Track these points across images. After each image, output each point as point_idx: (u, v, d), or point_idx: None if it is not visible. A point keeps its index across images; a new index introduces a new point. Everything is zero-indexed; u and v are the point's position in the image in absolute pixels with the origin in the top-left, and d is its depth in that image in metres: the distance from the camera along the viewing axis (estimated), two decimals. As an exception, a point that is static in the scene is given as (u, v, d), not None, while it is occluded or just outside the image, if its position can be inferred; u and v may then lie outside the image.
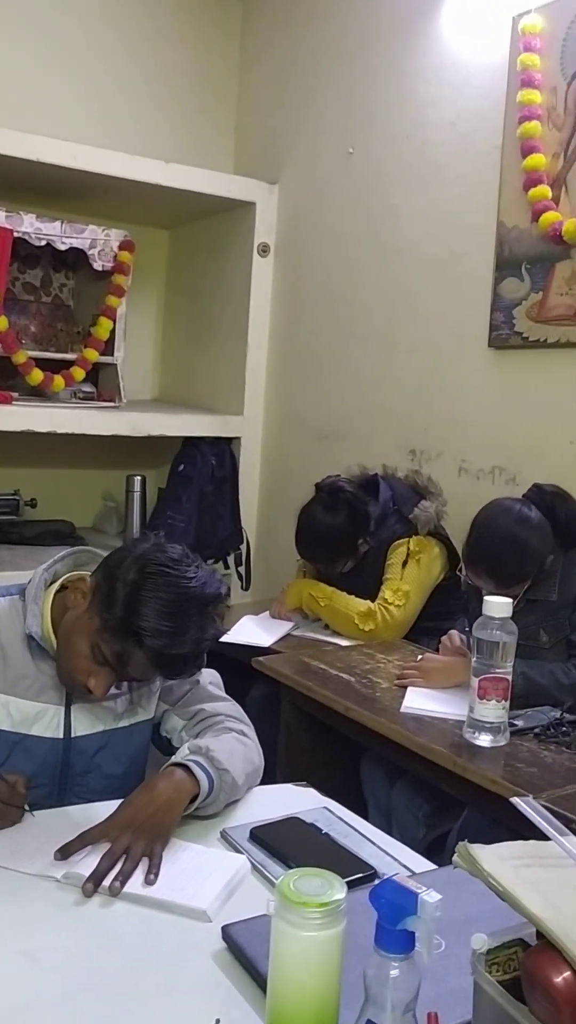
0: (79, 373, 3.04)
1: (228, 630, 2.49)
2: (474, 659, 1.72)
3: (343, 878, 1.14)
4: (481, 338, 2.56)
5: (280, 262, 3.37)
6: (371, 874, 1.20)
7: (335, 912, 0.82)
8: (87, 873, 1.15)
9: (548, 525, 1.99)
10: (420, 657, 2.13)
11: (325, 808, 1.41)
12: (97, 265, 3.05)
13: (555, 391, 2.38)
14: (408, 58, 2.81)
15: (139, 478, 3.43)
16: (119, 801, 1.29)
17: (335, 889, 0.84)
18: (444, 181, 2.69)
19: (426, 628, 2.42)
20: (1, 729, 1.41)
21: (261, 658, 2.26)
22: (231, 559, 3.40)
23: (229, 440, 3.37)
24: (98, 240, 3.04)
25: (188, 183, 3.16)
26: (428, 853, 1.69)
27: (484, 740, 1.71)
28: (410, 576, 2.42)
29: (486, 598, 1.72)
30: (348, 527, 2.47)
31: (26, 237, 2.88)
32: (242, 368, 3.39)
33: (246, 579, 3.40)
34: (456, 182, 2.65)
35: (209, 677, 1.58)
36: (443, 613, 2.42)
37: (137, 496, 3.42)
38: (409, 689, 1.98)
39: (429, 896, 0.79)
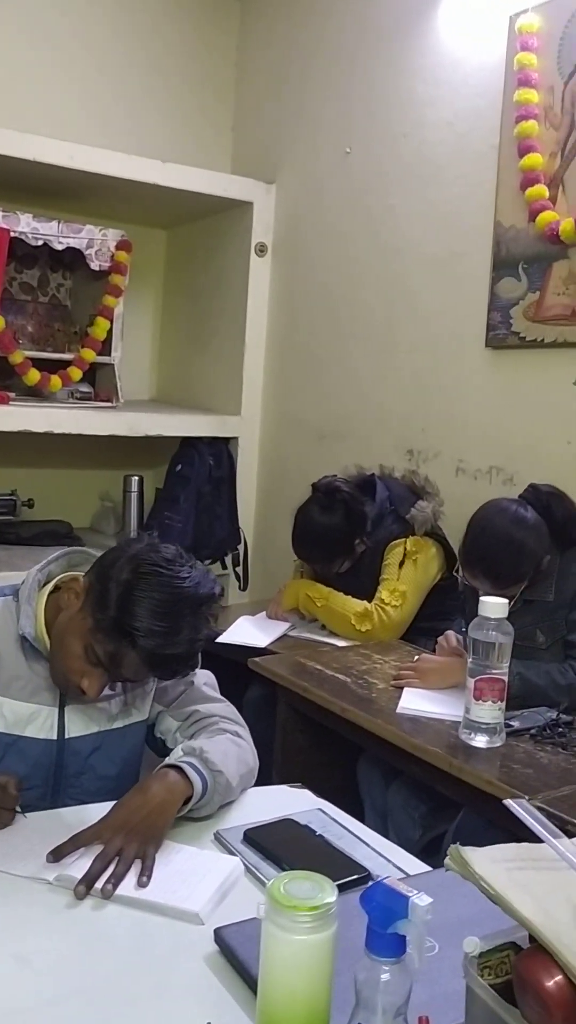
0: (76, 373, 3.03)
1: (223, 631, 2.49)
2: (470, 660, 1.71)
3: (337, 880, 1.14)
4: (478, 338, 2.56)
5: (278, 262, 3.36)
6: (365, 876, 1.19)
7: (326, 915, 0.82)
8: (79, 875, 1.14)
9: (544, 525, 1.98)
10: (416, 658, 2.13)
11: (319, 810, 1.40)
12: (94, 265, 3.05)
13: (552, 391, 2.37)
14: (406, 58, 2.81)
15: (136, 478, 3.43)
16: (112, 803, 1.28)
17: (326, 892, 0.83)
18: (442, 181, 2.69)
19: (423, 628, 2.42)
20: (-6, 730, 1.40)
21: (257, 659, 2.26)
22: (229, 559, 3.39)
23: (227, 440, 3.37)
24: (95, 240, 3.03)
25: (185, 183, 3.16)
26: (424, 854, 1.69)
27: (480, 741, 1.71)
28: (407, 576, 2.42)
29: (482, 599, 1.71)
30: (345, 527, 2.46)
31: (23, 237, 2.88)
32: (239, 368, 3.39)
33: (244, 579, 3.40)
34: (454, 182, 2.65)
35: (204, 678, 1.57)
36: (440, 613, 2.42)
37: (135, 496, 3.42)
38: (405, 690, 1.98)
39: (420, 900, 0.78)
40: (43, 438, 2.94)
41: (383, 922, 0.79)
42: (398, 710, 1.89)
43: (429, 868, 1.28)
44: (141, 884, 1.15)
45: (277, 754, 2.17)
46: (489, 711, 1.70)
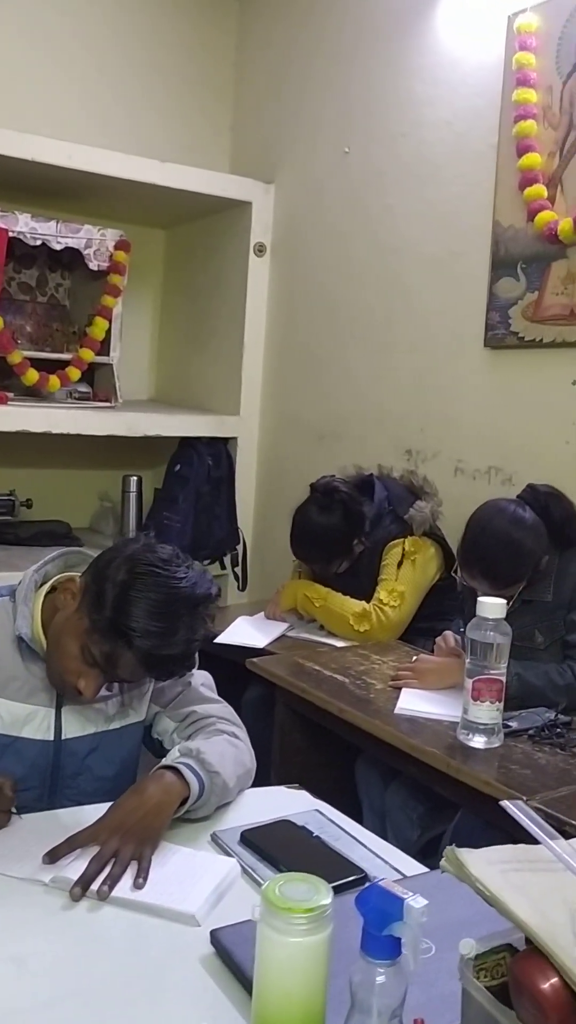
0: (75, 373, 3.03)
1: (221, 631, 2.48)
2: (468, 660, 1.71)
3: (333, 882, 1.14)
4: (477, 338, 2.55)
5: (276, 262, 3.36)
6: (361, 877, 1.19)
7: (321, 917, 0.81)
8: (75, 877, 1.14)
9: (543, 526, 1.98)
10: (415, 658, 2.12)
11: (317, 811, 1.40)
12: (93, 265, 3.05)
13: (550, 391, 2.37)
14: (404, 57, 2.80)
15: (135, 478, 3.43)
16: (109, 804, 1.28)
17: (321, 894, 0.83)
18: (440, 180, 2.69)
19: (421, 629, 2.42)
20: (-9, 731, 1.40)
21: (255, 659, 2.25)
22: (227, 559, 3.39)
23: (225, 440, 3.36)
24: (94, 240, 3.03)
25: (184, 183, 3.15)
26: (422, 855, 1.69)
27: (478, 742, 1.71)
28: (405, 577, 2.41)
29: (480, 599, 1.71)
30: (343, 527, 2.46)
31: (21, 237, 2.88)
32: (238, 368, 3.39)
33: (242, 580, 3.39)
34: (452, 181, 2.65)
35: (201, 679, 1.57)
36: (438, 614, 2.41)
37: (133, 496, 3.42)
38: (403, 690, 1.98)
39: (415, 902, 0.78)
40: (42, 438, 2.93)
41: (378, 924, 0.78)
42: (396, 711, 1.88)
43: (426, 869, 1.27)
44: (137, 886, 1.15)
45: (275, 754, 2.17)
46: (487, 712, 1.69)
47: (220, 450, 3.33)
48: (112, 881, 1.14)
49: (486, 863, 0.85)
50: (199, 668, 1.58)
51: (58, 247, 2.98)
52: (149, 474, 3.57)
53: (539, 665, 1.92)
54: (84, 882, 1.13)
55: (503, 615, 1.69)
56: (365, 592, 2.47)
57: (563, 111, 2.31)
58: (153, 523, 3.26)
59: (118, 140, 3.20)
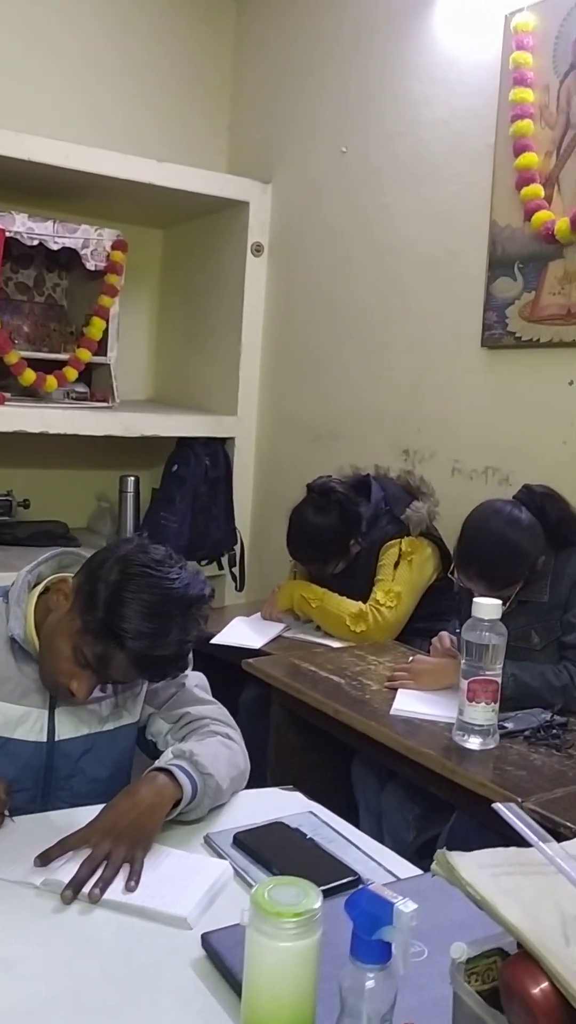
0: (72, 373, 3.02)
1: (214, 632, 2.48)
2: (463, 661, 1.70)
3: (326, 884, 1.14)
4: (474, 338, 2.55)
5: (274, 261, 3.36)
6: (355, 880, 1.19)
7: (310, 922, 0.81)
8: (67, 880, 1.13)
9: (539, 526, 1.97)
10: (411, 659, 2.12)
11: (311, 812, 1.39)
12: (90, 265, 3.04)
13: (548, 391, 2.36)
14: (401, 56, 2.80)
15: (132, 479, 3.42)
16: (102, 806, 1.27)
17: (310, 898, 0.82)
18: (438, 180, 2.68)
19: (418, 629, 2.41)
20: (-16, 733, 1.39)
21: (251, 660, 2.25)
22: (225, 560, 3.38)
23: (223, 440, 3.35)
24: (91, 240, 3.02)
25: (181, 182, 3.14)
26: (419, 856, 1.68)
27: (473, 743, 1.70)
28: (402, 577, 2.41)
29: (475, 600, 1.70)
30: (339, 528, 2.45)
31: (18, 237, 2.87)
32: (236, 368, 3.38)
33: (240, 580, 3.39)
34: (450, 180, 2.64)
35: (195, 680, 1.56)
36: (435, 614, 2.41)
37: (131, 497, 3.41)
38: (399, 691, 1.97)
39: (405, 906, 0.78)
40: (39, 438, 2.93)
41: (368, 928, 0.78)
42: (392, 712, 1.88)
43: (420, 871, 1.27)
44: (129, 888, 1.14)
45: (271, 755, 2.16)
46: (482, 713, 1.69)
47: (217, 450, 3.32)
48: (104, 884, 1.14)
49: (477, 867, 0.84)
50: (194, 669, 1.57)
51: (55, 247, 2.97)
52: (146, 474, 3.56)
53: (535, 666, 1.91)
54: (76, 885, 1.13)
55: (498, 616, 1.68)
56: (362, 593, 2.46)
57: (560, 110, 2.30)
58: (150, 523, 3.25)
59: (115, 140, 3.19)
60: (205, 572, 3.26)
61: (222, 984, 0.99)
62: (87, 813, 1.28)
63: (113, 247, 3.06)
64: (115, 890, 1.14)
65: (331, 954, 0.84)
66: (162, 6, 3.47)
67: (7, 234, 2.82)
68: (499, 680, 1.70)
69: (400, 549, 2.44)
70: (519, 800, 1.48)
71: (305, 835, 1.30)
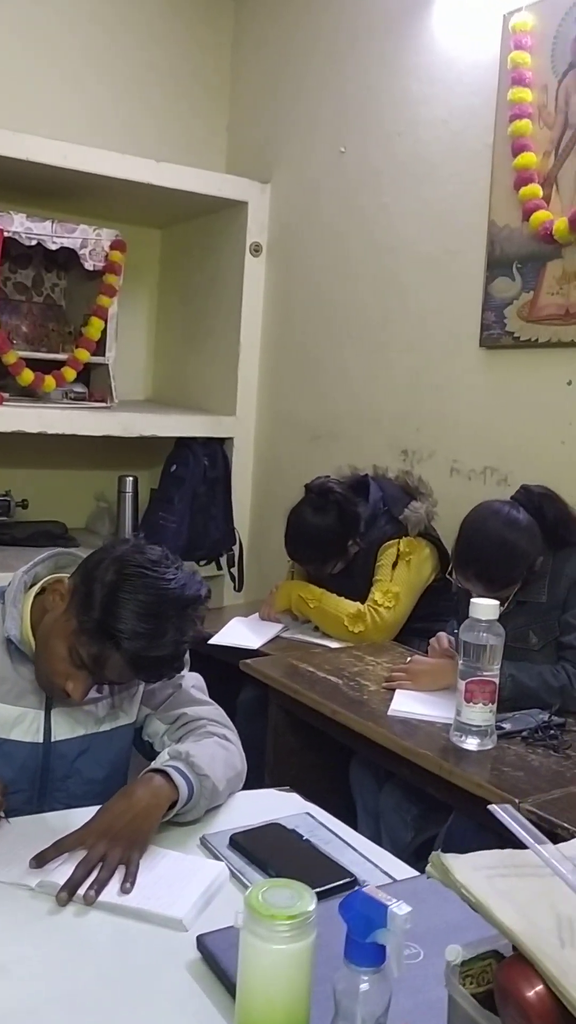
0: (70, 373, 3.02)
1: (211, 633, 2.48)
2: (461, 662, 1.70)
3: (322, 885, 1.14)
4: (473, 337, 2.54)
5: (272, 262, 3.35)
6: (351, 881, 1.18)
7: (304, 924, 0.80)
8: (62, 881, 1.13)
9: (537, 527, 1.97)
10: (409, 659, 2.11)
11: (307, 814, 1.39)
12: (88, 265, 3.04)
13: (546, 391, 2.36)
14: (400, 56, 2.79)
15: (131, 479, 3.41)
16: (98, 807, 1.27)
17: (304, 900, 0.82)
18: (436, 179, 2.68)
19: (416, 629, 2.41)
20: (-20, 734, 1.39)
21: (249, 661, 2.25)
22: (224, 560, 3.38)
23: (221, 440, 3.35)
24: (89, 240, 3.02)
25: (180, 182, 3.14)
26: (416, 857, 1.68)
27: (471, 744, 1.70)
28: (400, 577, 2.41)
29: (472, 601, 1.70)
30: (338, 528, 2.45)
31: (16, 237, 2.86)
32: (234, 368, 3.38)
33: (239, 580, 3.39)
34: (448, 180, 2.64)
35: (192, 681, 1.56)
36: (434, 614, 2.40)
37: (129, 497, 3.41)
38: (397, 692, 1.97)
39: (399, 908, 0.77)
40: (37, 438, 2.93)
41: (362, 931, 0.78)
42: (389, 712, 1.87)
43: (417, 873, 1.26)
44: (124, 890, 1.14)
45: (269, 756, 2.16)
46: (480, 713, 1.69)
47: (216, 450, 3.32)
48: (99, 886, 1.14)
49: (472, 869, 0.84)
50: (192, 669, 1.57)
51: (53, 247, 2.97)
52: (145, 474, 3.56)
53: (533, 666, 1.91)
54: (71, 887, 1.13)
55: (496, 616, 1.68)
56: (360, 593, 2.46)
57: (558, 110, 2.30)
58: (149, 523, 3.25)
59: (114, 140, 3.19)
60: (204, 572, 3.27)
61: (217, 986, 0.99)
62: (83, 814, 1.27)
63: (111, 247, 3.05)
64: (110, 892, 1.14)
65: (327, 956, 0.83)
66: (161, 6, 3.47)
67: (5, 234, 2.81)
68: (496, 681, 1.69)
69: (398, 549, 2.43)
70: (516, 801, 1.48)
71: (301, 836, 1.30)
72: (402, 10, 2.78)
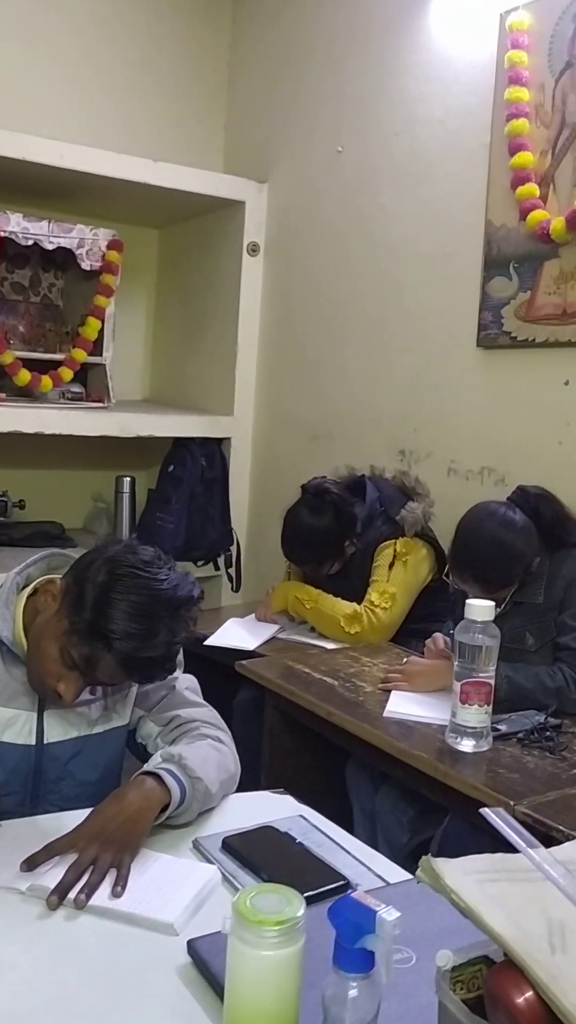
0: (67, 373, 3.01)
1: (209, 633, 2.47)
2: (456, 663, 1.69)
3: (315, 889, 1.13)
4: (470, 337, 2.54)
5: (270, 261, 3.35)
6: (343, 885, 1.18)
7: (293, 930, 0.80)
8: (52, 885, 1.12)
9: (533, 528, 1.97)
10: (405, 660, 2.11)
11: (301, 816, 1.38)
12: (85, 265, 3.03)
13: (543, 391, 2.35)
14: (397, 55, 2.79)
15: (128, 479, 3.41)
16: (90, 810, 1.26)
17: (293, 906, 0.81)
18: (434, 179, 2.67)
19: (413, 630, 2.40)
20: (-28, 736, 1.38)
21: (245, 662, 2.24)
22: (221, 560, 3.37)
23: (219, 441, 3.35)
24: (86, 240, 3.01)
25: (177, 182, 3.13)
26: (412, 859, 1.67)
27: (466, 745, 1.69)
28: (397, 578, 2.40)
29: (468, 602, 1.69)
30: (334, 529, 2.44)
31: (13, 237, 2.86)
32: (232, 368, 3.37)
33: (236, 581, 3.38)
34: (446, 179, 2.63)
35: (186, 683, 1.55)
36: (430, 615, 2.39)
37: (127, 497, 3.40)
38: (393, 693, 1.96)
39: (388, 914, 0.76)
40: (34, 439, 2.92)
41: (350, 937, 0.77)
42: (385, 714, 1.87)
43: (411, 876, 1.26)
44: (115, 894, 1.13)
45: (265, 757, 2.15)
46: (475, 715, 1.68)
47: (214, 451, 3.31)
48: (90, 889, 1.13)
49: (462, 873, 0.83)
50: (186, 671, 1.56)
51: (50, 247, 2.96)
52: (143, 475, 3.55)
53: (529, 667, 1.90)
54: (61, 890, 1.12)
55: (491, 617, 1.67)
56: (356, 594, 2.45)
57: (555, 109, 2.29)
58: (146, 524, 3.24)
59: (111, 139, 3.18)
60: (201, 573, 3.26)
61: (208, 991, 0.98)
62: (75, 817, 1.27)
63: (109, 247, 3.05)
64: (101, 896, 1.13)
65: (318, 960, 0.83)
66: (159, 6, 3.46)
67: (2, 234, 2.81)
68: (492, 682, 1.69)
69: (395, 550, 2.43)
70: (511, 803, 1.47)
71: (295, 839, 1.29)
72: (399, 9, 2.77)
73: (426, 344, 2.70)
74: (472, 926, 0.82)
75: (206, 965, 1.00)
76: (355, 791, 2.14)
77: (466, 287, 2.54)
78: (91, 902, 1.12)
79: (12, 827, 1.29)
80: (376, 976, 0.78)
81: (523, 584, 1.97)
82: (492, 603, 1.69)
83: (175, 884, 1.16)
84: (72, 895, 1.12)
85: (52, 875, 1.15)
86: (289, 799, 1.46)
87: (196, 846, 1.28)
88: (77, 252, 3.00)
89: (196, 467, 3.25)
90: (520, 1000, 0.74)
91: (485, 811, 0.91)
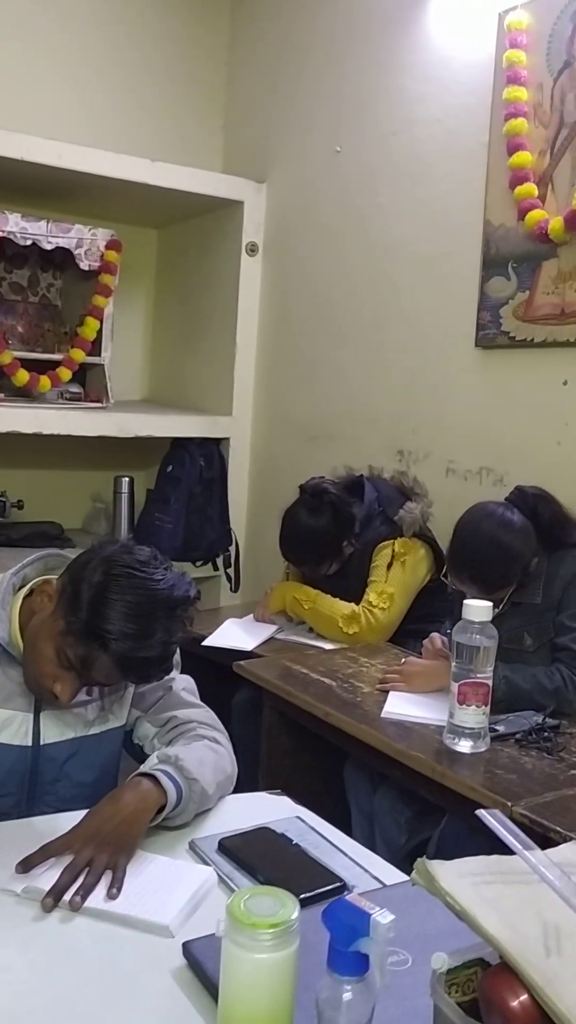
0: (66, 374, 3.01)
1: (207, 634, 2.47)
2: (454, 664, 1.69)
3: (312, 890, 1.13)
4: (468, 337, 2.53)
5: (268, 261, 3.34)
6: (340, 886, 1.17)
7: (287, 933, 0.79)
8: (47, 887, 1.12)
9: (531, 528, 1.96)
10: (403, 660, 2.10)
11: (297, 817, 1.38)
12: (84, 265, 3.03)
13: (542, 391, 2.35)
14: (396, 55, 2.78)
15: (127, 479, 3.41)
16: (86, 811, 1.26)
17: (287, 908, 0.81)
18: (432, 178, 2.67)
19: (411, 631, 2.39)
20: (-32, 737, 1.38)
21: (243, 662, 2.23)
22: (220, 561, 3.37)
23: (218, 441, 3.35)
24: (84, 239, 3.01)
25: (176, 182, 3.13)
26: (410, 860, 1.67)
27: (464, 746, 1.69)
28: (395, 578, 2.40)
29: (465, 602, 1.69)
30: (332, 529, 2.44)
31: (12, 237, 2.86)
32: (231, 368, 3.37)
33: (235, 581, 3.38)
34: (443, 179, 2.63)
35: (183, 683, 1.55)
36: (429, 615, 2.39)
37: (125, 497, 3.40)
38: (391, 693, 1.96)
39: (382, 917, 0.76)
40: (33, 439, 2.92)
41: (345, 940, 0.77)
42: (382, 714, 1.86)
43: (408, 877, 1.25)
44: (111, 896, 1.13)
45: (263, 758, 2.15)
46: (473, 715, 1.67)
47: (212, 451, 3.31)
48: (85, 891, 1.12)
49: (457, 876, 0.83)
50: (184, 671, 1.56)
51: (49, 247, 2.96)
52: (141, 475, 3.55)
53: (527, 668, 1.90)
54: (56, 892, 1.11)
55: (489, 618, 1.67)
56: (355, 594, 2.45)
57: (554, 109, 2.29)
58: (145, 524, 3.24)
59: (109, 139, 3.17)
60: (200, 573, 3.26)
61: (203, 993, 0.98)
62: (71, 819, 1.26)
63: (107, 247, 3.05)
64: (97, 897, 1.12)
65: (314, 962, 0.82)
66: (157, 6, 3.46)
67: (1, 234, 2.80)
68: (490, 683, 1.68)
69: (393, 550, 2.42)
70: (509, 804, 1.47)
71: (291, 841, 1.29)
72: (398, 9, 2.77)
73: (424, 344, 2.70)
74: (468, 929, 0.82)
75: (201, 967, 1.00)
76: (353, 791, 2.14)
77: (464, 287, 2.54)
78: (87, 904, 1.11)
79: (8, 828, 1.29)
80: (370, 979, 0.78)
81: (521, 584, 1.96)
82: (490, 603, 1.68)
83: (171, 886, 1.16)
84: (67, 897, 1.11)
85: (47, 877, 1.14)
86: (286, 800, 1.45)
87: (192, 848, 1.28)
88: (76, 252, 3.00)
89: (195, 467, 3.25)
90: (515, 1003, 0.74)
91: (481, 813, 0.91)
